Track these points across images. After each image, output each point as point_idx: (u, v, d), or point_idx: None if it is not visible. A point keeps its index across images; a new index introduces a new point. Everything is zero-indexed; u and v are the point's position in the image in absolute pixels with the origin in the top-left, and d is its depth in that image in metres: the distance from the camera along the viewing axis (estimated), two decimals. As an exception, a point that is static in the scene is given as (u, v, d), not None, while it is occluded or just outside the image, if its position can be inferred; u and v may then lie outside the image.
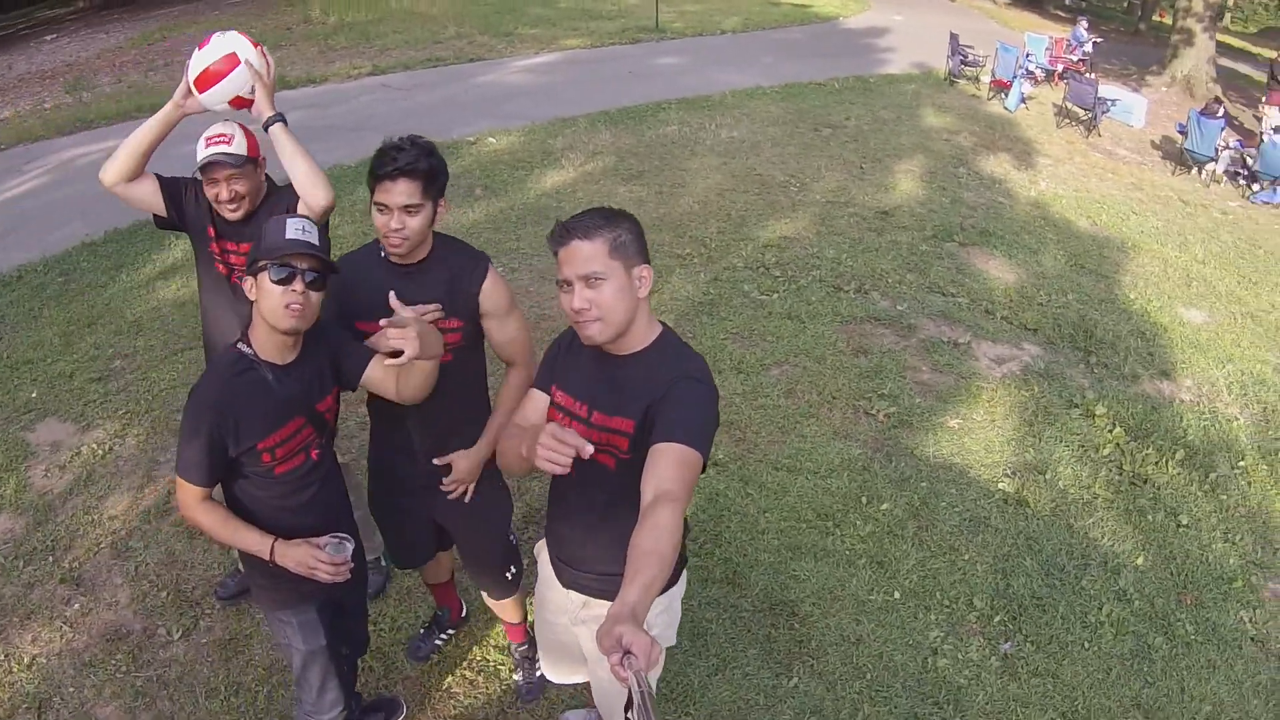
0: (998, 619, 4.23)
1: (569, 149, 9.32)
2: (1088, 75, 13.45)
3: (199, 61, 2.72)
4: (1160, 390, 6.46)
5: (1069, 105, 13.07)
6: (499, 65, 12.75)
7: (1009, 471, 5.27)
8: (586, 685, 2.82)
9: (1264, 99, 14.45)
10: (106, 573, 4.06)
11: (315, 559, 2.23)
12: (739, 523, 4.50)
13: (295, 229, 2.18)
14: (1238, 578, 4.83)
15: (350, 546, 2.31)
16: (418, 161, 2.38)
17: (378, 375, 2.40)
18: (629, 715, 1.35)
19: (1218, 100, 13.60)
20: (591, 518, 2.25)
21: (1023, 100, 13.12)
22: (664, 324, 2.17)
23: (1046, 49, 15.35)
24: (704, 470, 1.92)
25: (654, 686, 2.57)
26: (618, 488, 2.07)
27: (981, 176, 10.01)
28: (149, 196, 2.92)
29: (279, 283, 2.14)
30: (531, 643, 3.38)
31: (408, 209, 2.39)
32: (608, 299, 1.97)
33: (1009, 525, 4.85)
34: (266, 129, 2.81)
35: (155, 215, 3.01)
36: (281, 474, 2.32)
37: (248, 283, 2.20)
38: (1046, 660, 4.07)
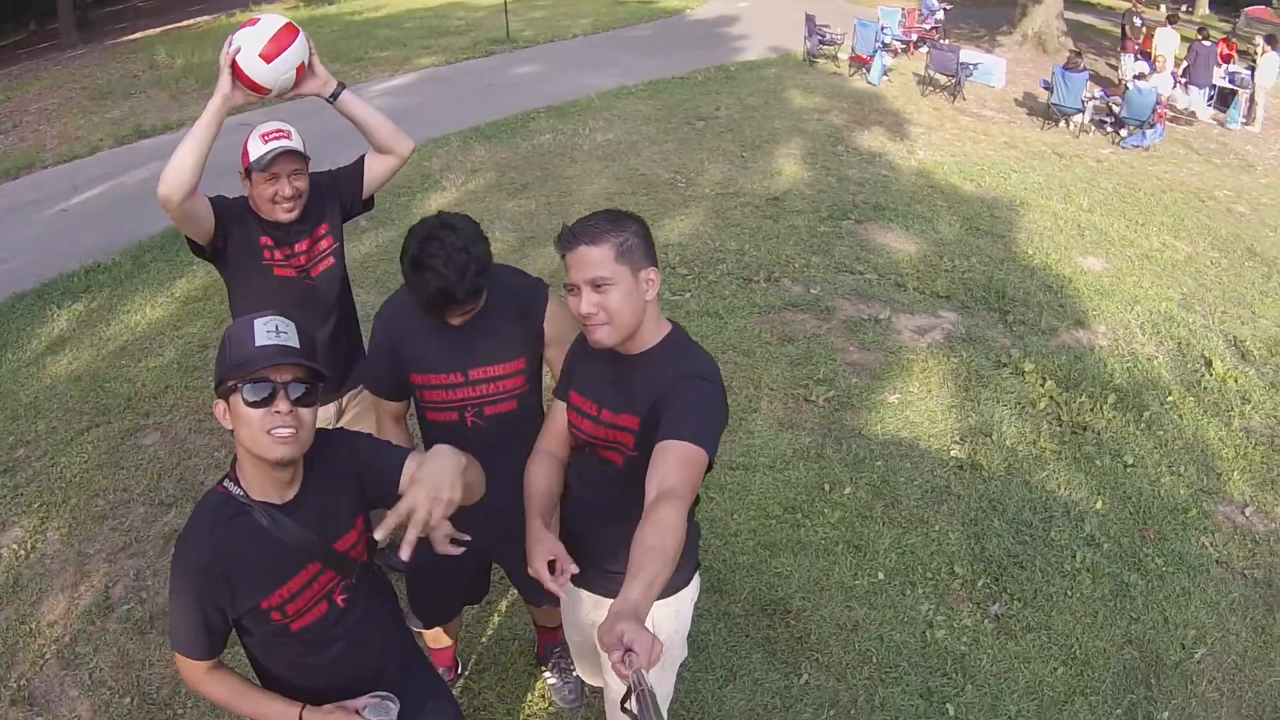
0: (981, 583, 4.54)
1: (447, 169, 9.45)
2: (943, 42, 14.52)
3: (261, 33, 2.75)
4: (1079, 340, 7.04)
5: (932, 73, 14.10)
6: (360, 91, 12.83)
7: (957, 438, 5.65)
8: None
9: (1120, 48, 15.94)
10: (59, 686, 3.84)
11: None
12: (710, 528, 4.66)
13: (265, 332, 1.87)
14: (1190, 507, 5.34)
15: (395, 707, 2.11)
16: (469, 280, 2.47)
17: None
18: (626, 706, 1.44)
19: (1078, 54, 15.01)
20: (599, 516, 2.37)
21: (885, 73, 14.10)
22: (674, 323, 2.30)
23: (900, 21, 16.50)
24: (710, 469, 2.03)
25: (664, 708, 2.65)
26: (625, 485, 2.16)
27: (860, 152, 10.68)
28: (205, 214, 2.89)
29: (256, 405, 1.83)
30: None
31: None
32: (615, 303, 2.10)
33: (969, 490, 5.21)
34: (336, 97, 2.99)
35: (193, 243, 2.98)
36: (300, 630, 2.05)
37: (219, 408, 1.92)
38: (1036, 614, 4.39)
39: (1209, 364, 6.92)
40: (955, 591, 4.48)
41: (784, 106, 12.34)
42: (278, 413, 1.83)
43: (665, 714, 2.46)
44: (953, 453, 5.50)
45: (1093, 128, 12.82)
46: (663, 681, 2.62)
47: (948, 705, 3.85)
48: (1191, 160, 12.59)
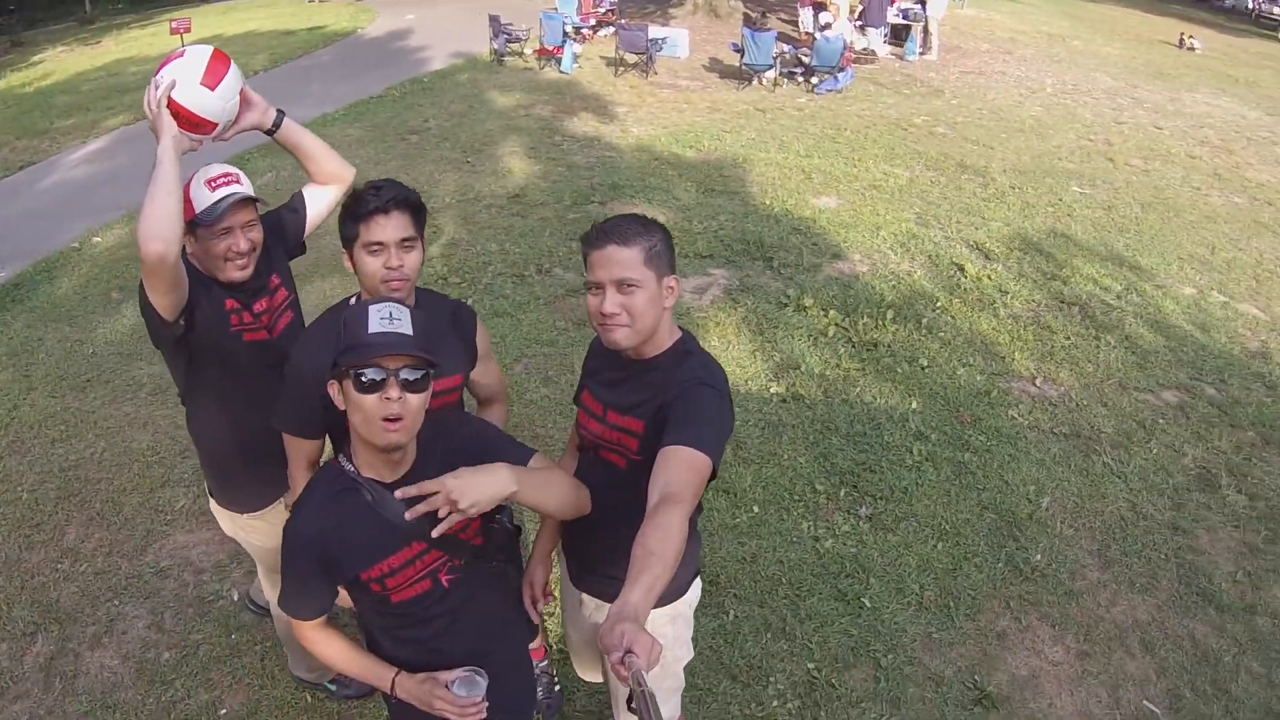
0: (843, 493, 5.30)
1: None
2: (622, 22, 15.94)
3: (194, 63, 2.67)
4: (841, 270, 8.14)
5: (622, 53, 15.50)
6: (56, 164, 12.42)
7: (771, 376, 6.45)
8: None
9: (797, 3, 18.18)
10: None
11: (438, 698, 2.25)
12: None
13: (380, 319, 2.07)
14: (990, 389, 6.45)
15: (483, 683, 2.29)
16: (406, 193, 2.60)
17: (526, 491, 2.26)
18: (632, 707, 1.64)
19: (764, 14, 17.08)
20: (601, 518, 2.54)
21: (575, 60, 15.41)
22: (684, 330, 2.53)
23: (578, 8, 17.97)
24: (714, 477, 2.21)
25: (675, 704, 2.95)
26: (627, 489, 2.33)
27: (578, 138, 11.57)
28: (183, 276, 2.68)
29: (366, 391, 2.04)
30: (549, 659, 3.84)
31: (404, 243, 2.58)
32: (639, 307, 2.30)
33: (800, 419, 5.99)
34: (278, 126, 2.94)
35: (157, 324, 2.74)
36: (399, 603, 2.30)
37: (332, 387, 2.13)
38: (899, 507, 5.21)
39: (961, 269, 8.26)
40: (824, 506, 5.20)
41: (489, 108, 13.13)
42: (388, 399, 2.03)
43: (670, 713, 2.83)
44: (773, 390, 6.28)
45: (784, 80, 14.59)
46: (670, 675, 2.81)
47: (862, 599, 4.53)
48: (883, 95, 14.61)
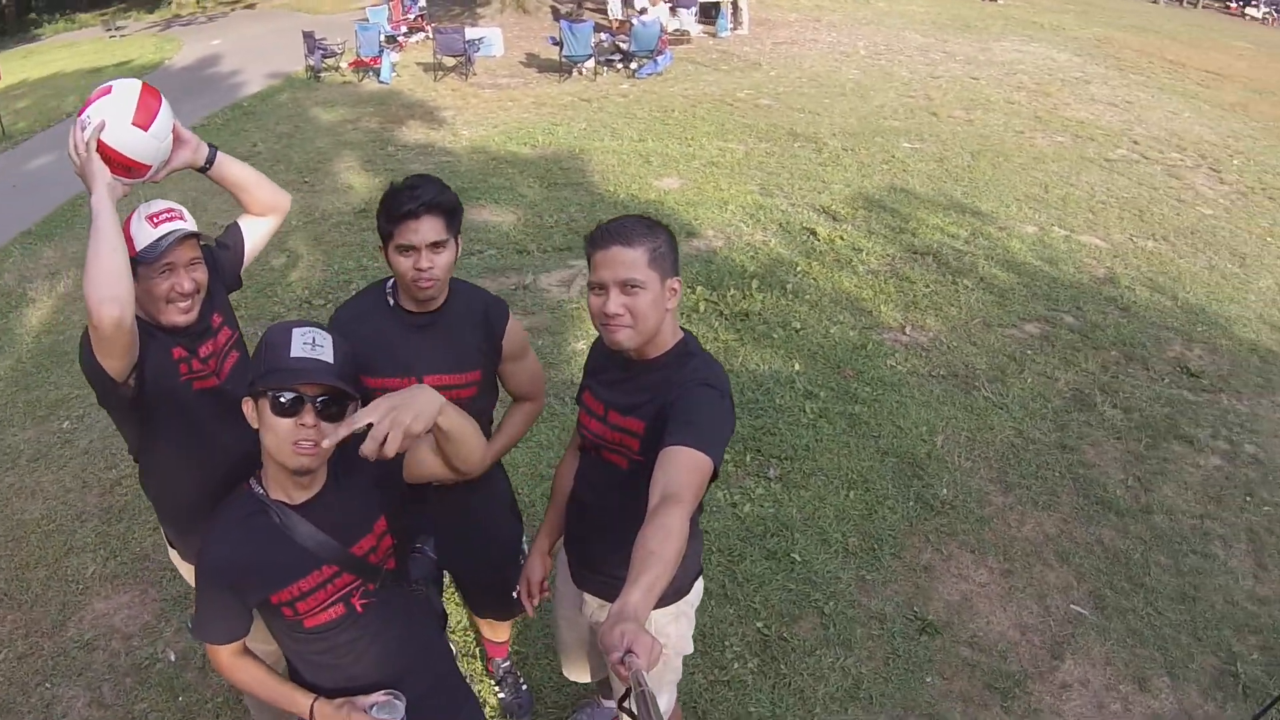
0: (749, 458, 5.49)
1: (25, 280, 8.61)
2: (437, 25, 16.11)
3: (123, 100, 2.52)
4: (698, 247, 8.37)
5: (441, 58, 15.51)
6: None
7: (654, 357, 6.58)
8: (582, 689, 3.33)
9: None
10: None
11: None
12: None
13: (303, 344, 2.11)
14: (864, 342, 6.78)
15: (402, 706, 2.33)
16: (441, 195, 2.65)
17: (426, 463, 2.38)
18: (624, 705, 1.69)
19: (580, 4, 17.31)
20: (603, 519, 2.62)
21: (393, 70, 15.41)
22: (686, 331, 2.57)
23: (388, 17, 17.93)
24: (715, 477, 2.25)
25: (672, 696, 3.01)
26: (628, 490, 2.38)
27: (411, 147, 11.51)
28: (137, 336, 2.50)
29: (283, 414, 2.08)
30: (511, 660, 3.90)
31: (435, 246, 2.64)
32: (643, 308, 2.34)
33: (691, 394, 6.14)
34: (211, 163, 2.84)
35: (107, 385, 2.58)
36: (313, 628, 2.32)
37: (247, 405, 2.14)
38: (805, 464, 5.44)
39: (813, 232, 8.62)
40: (734, 474, 5.36)
41: (316, 126, 12.91)
42: (303, 425, 2.07)
43: (666, 703, 2.90)
44: (658, 370, 6.41)
45: (604, 69, 14.83)
46: (670, 669, 2.86)
47: (791, 555, 4.72)
48: (703, 74, 15.03)
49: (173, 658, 4.24)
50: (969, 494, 5.21)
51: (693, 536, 2.52)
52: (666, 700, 2.91)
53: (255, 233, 3.06)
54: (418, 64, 16.15)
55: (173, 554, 3.23)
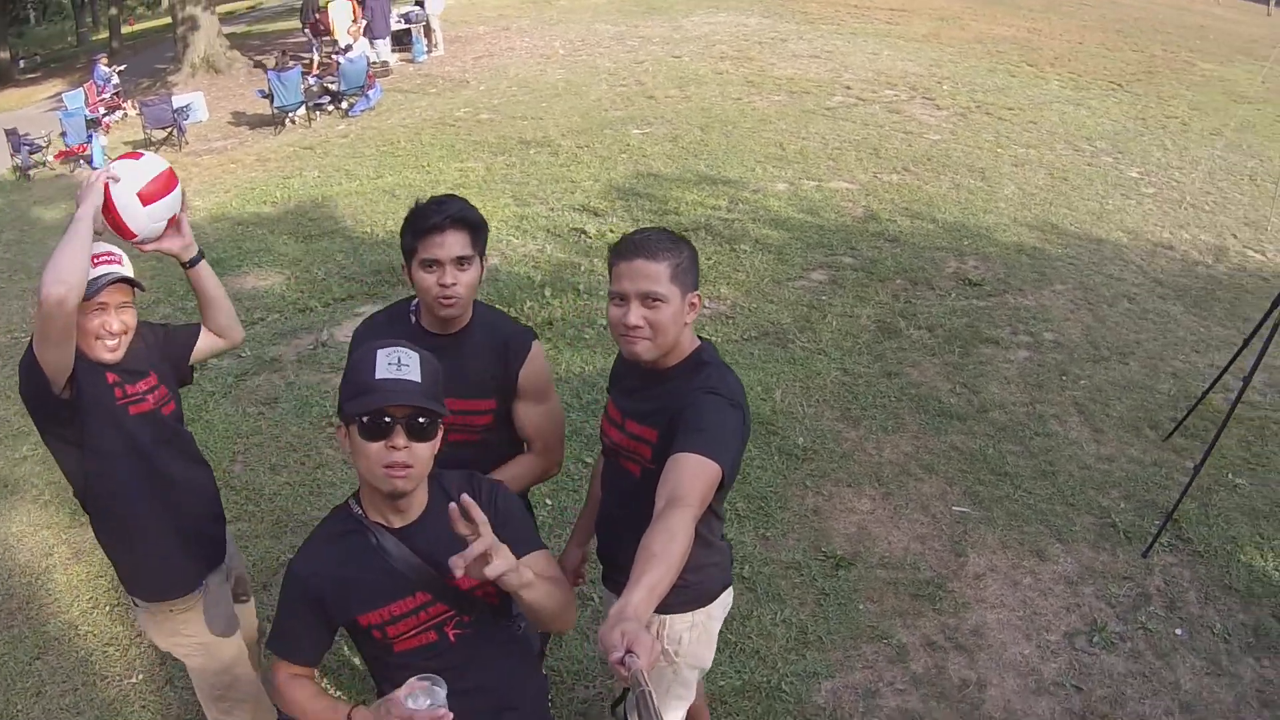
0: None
1: None
2: (128, 105, 15.40)
3: (143, 171, 2.74)
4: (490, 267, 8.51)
5: (150, 131, 15.03)
6: None
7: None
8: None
9: (307, 32, 18.45)
10: None
11: (397, 718, 2.14)
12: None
13: (387, 364, 2.10)
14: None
15: (442, 691, 2.19)
16: (467, 210, 2.72)
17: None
18: (618, 710, 1.97)
19: (284, 53, 16.92)
20: (621, 524, 2.68)
21: (104, 153, 14.70)
22: (704, 340, 2.65)
23: (85, 100, 17.18)
24: (726, 485, 2.33)
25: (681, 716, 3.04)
26: (640, 497, 2.40)
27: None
28: (74, 335, 2.66)
29: (371, 438, 2.08)
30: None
31: (460, 261, 2.70)
32: (663, 321, 2.42)
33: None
34: (195, 263, 3.02)
35: (42, 397, 2.74)
36: (401, 653, 2.31)
37: (340, 432, 2.17)
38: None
39: (583, 231, 8.97)
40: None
41: (44, 226, 11.94)
42: (393, 447, 2.06)
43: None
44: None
45: (316, 114, 14.65)
46: (680, 682, 2.88)
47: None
48: (415, 100, 15.10)
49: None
50: (824, 436, 5.66)
51: (714, 549, 2.72)
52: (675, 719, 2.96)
53: (207, 344, 3.28)
54: (125, 143, 15.27)
55: (140, 614, 3.27)
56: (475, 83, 15.70)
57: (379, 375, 2.07)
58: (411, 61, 17.80)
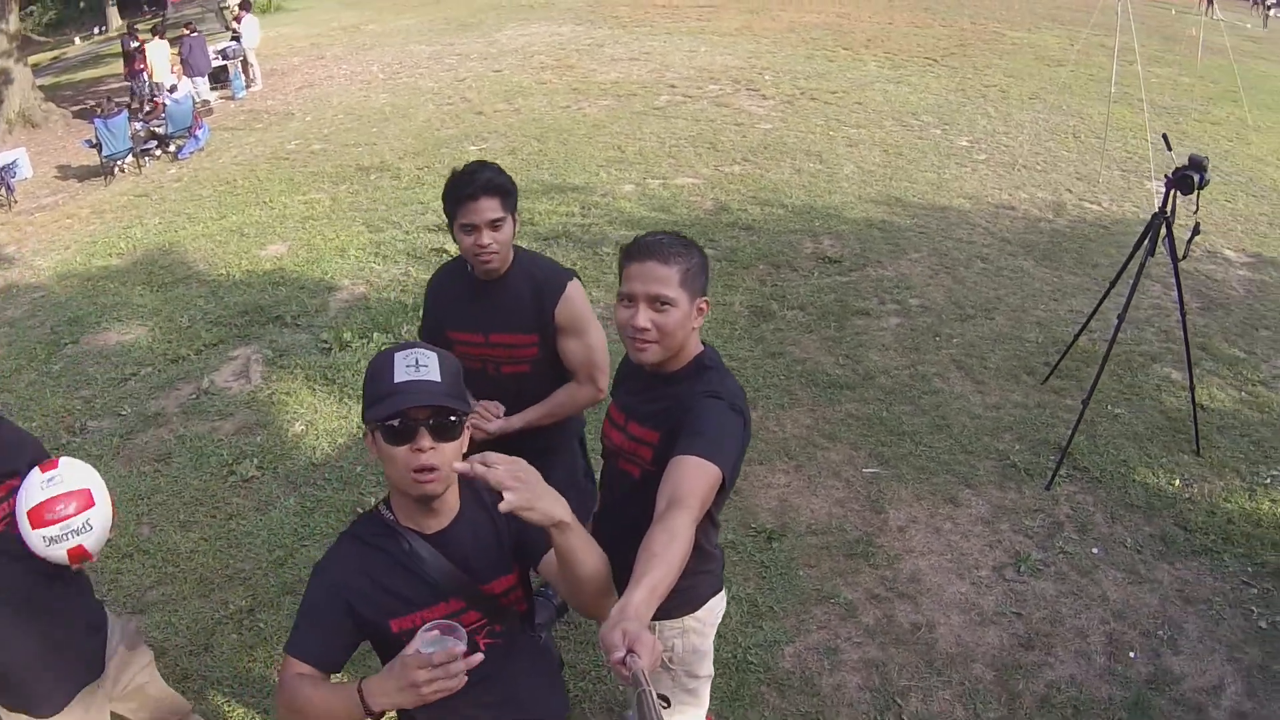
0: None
1: None
2: None
3: (34, 489, 2.57)
4: (348, 298, 8.51)
5: None
6: None
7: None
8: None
9: (129, 74, 17.85)
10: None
11: (414, 670, 1.99)
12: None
13: (405, 366, 2.08)
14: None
15: (456, 642, 2.05)
16: (498, 177, 3.17)
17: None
18: (629, 716, 1.99)
19: (109, 100, 16.15)
20: (621, 527, 2.63)
21: None
22: (707, 345, 2.68)
23: None
24: (726, 488, 2.36)
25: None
26: (639, 500, 2.45)
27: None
28: None
29: (396, 442, 2.06)
30: None
31: (493, 224, 3.15)
32: (671, 326, 2.46)
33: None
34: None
35: None
36: None
37: (367, 439, 2.13)
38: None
39: (444, 251, 9.00)
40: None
41: None
42: (418, 450, 2.05)
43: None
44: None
45: (145, 159, 14.12)
46: (685, 692, 2.94)
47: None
48: (243, 137, 14.74)
49: None
50: (725, 422, 5.92)
51: (708, 556, 2.79)
52: None
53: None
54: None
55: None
56: (301, 114, 15.46)
57: (398, 378, 2.06)
58: (232, 98, 17.37)
